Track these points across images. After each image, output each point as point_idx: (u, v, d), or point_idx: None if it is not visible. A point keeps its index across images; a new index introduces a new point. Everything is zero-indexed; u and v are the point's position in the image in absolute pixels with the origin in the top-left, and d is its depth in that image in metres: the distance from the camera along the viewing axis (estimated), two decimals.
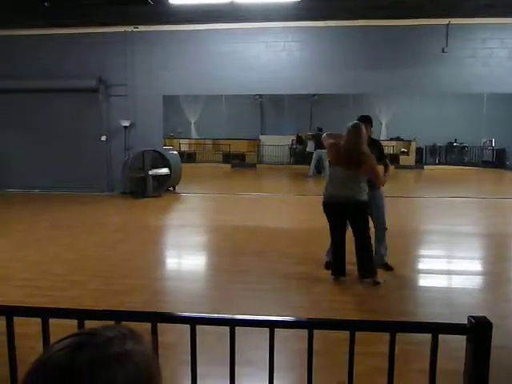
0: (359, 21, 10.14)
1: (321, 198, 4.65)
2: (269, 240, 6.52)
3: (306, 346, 1.46)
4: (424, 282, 4.85)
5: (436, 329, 1.21)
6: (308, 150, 16.59)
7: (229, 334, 1.44)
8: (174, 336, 2.55)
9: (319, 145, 14.70)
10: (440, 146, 20.26)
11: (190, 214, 9.06)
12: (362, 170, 4.38)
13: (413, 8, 9.24)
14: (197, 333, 1.45)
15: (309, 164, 16.23)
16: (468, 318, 1.19)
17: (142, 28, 10.63)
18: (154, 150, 10.41)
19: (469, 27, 10.12)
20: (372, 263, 4.52)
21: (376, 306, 4.00)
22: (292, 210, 9.50)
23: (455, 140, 20.03)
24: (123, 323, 0.72)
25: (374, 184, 4.61)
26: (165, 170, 10.36)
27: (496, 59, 10.13)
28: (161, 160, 10.41)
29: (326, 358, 2.74)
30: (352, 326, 1.30)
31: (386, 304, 4.09)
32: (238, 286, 4.53)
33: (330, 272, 4.67)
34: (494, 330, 1.21)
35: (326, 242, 4.86)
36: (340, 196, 4.44)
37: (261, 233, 7.00)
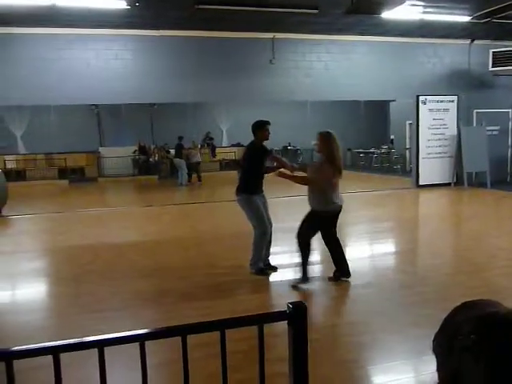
0: (192, 31, 10.36)
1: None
2: (114, 256, 6.20)
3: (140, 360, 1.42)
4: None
5: (260, 320, 1.28)
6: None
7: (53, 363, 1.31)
8: None
9: (179, 154, 14.75)
10: (277, 150, 21.89)
11: (22, 237, 8.10)
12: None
13: (240, 21, 9.80)
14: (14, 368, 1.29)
15: (154, 174, 17.78)
16: (287, 305, 1.29)
17: None
18: None
19: (291, 42, 11.18)
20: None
21: (231, 309, 4.11)
22: (138, 222, 9.21)
23: (289, 144, 21.83)
24: None
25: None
26: None
27: (315, 71, 11.40)
28: None
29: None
30: (184, 331, 1.30)
31: (239, 305, 4.24)
32: (81, 310, 4.20)
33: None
34: None
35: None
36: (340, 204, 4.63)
37: (105, 249, 6.61)
